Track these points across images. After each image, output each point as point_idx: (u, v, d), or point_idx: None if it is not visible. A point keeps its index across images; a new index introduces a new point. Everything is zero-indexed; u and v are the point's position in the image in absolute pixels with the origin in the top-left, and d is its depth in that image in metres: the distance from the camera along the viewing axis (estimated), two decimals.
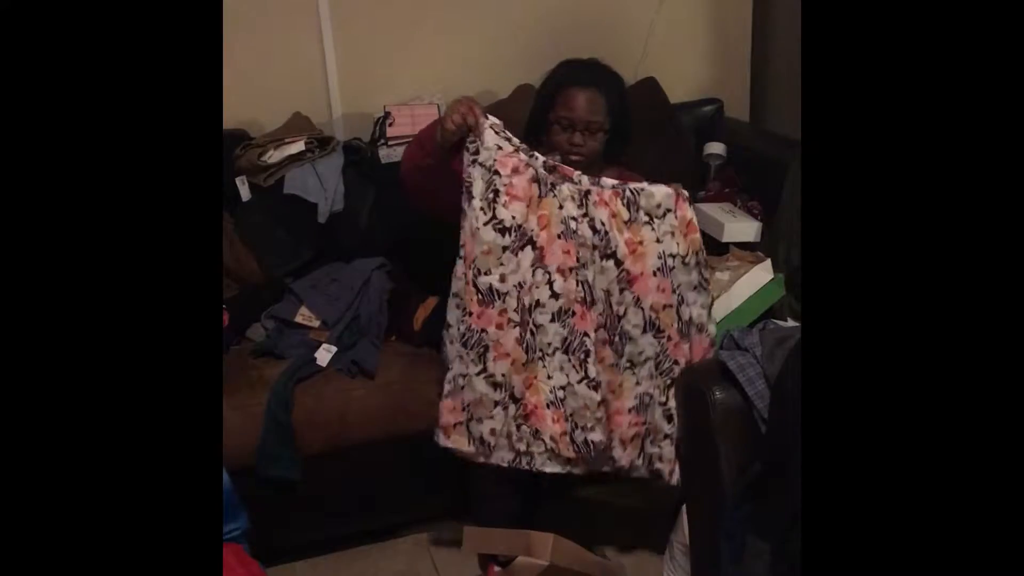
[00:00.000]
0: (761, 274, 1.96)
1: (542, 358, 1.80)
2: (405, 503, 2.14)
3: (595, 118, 1.90)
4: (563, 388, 1.80)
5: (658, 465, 1.86)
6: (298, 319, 2.13)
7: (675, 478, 1.85)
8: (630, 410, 1.82)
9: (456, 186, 1.75)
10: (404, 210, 2.23)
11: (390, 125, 2.30)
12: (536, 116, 1.97)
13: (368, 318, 2.14)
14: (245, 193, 2.21)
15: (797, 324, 1.73)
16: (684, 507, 1.68)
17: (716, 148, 2.48)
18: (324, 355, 2.06)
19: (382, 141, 2.30)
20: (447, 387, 1.83)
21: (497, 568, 1.91)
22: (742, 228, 2.19)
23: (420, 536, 2.17)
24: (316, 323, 2.13)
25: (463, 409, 1.83)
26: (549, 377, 1.80)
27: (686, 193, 1.77)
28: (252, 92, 2.33)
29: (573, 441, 1.80)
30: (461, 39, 2.50)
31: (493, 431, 1.82)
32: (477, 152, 1.73)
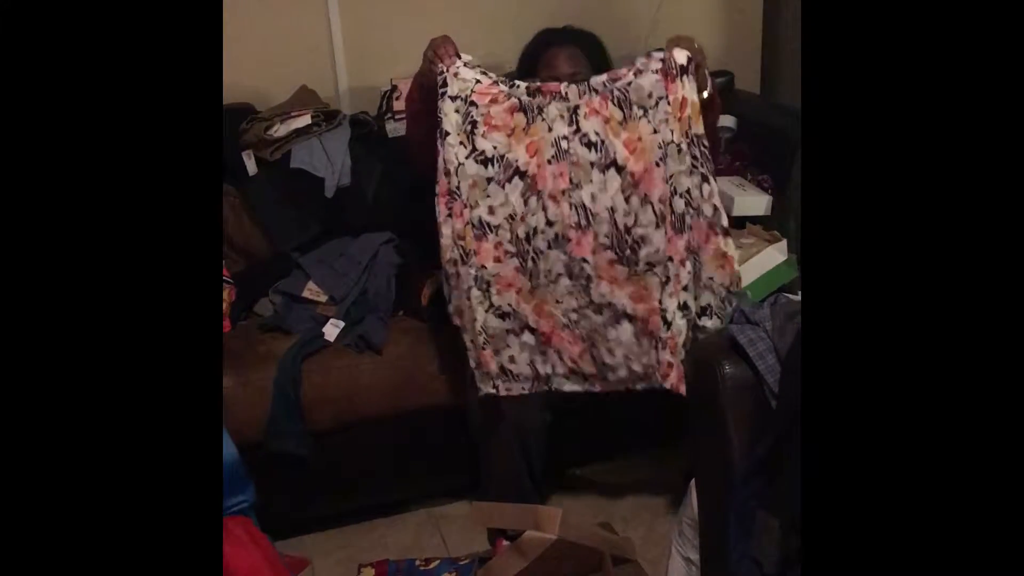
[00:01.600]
0: (774, 255, 1.94)
1: (547, 285, 1.80)
2: (414, 478, 2.14)
3: (578, 70, 1.89)
4: (575, 311, 1.81)
5: (659, 374, 1.81)
6: (306, 294, 2.13)
7: (670, 383, 1.78)
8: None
9: None
10: (412, 184, 2.22)
11: (397, 99, 2.28)
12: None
13: (376, 293, 2.13)
14: (252, 167, 2.20)
15: None
16: (693, 482, 1.67)
17: (726, 121, 2.45)
18: (332, 330, 2.05)
19: (389, 115, 2.29)
20: (480, 338, 1.82)
21: (506, 542, 1.92)
22: (752, 202, 2.17)
23: (429, 511, 2.18)
24: (324, 298, 2.12)
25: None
26: (558, 302, 1.81)
27: (681, 59, 1.67)
28: (258, 65, 2.31)
29: (593, 359, 1.83)
30: (468, 11, 2.47)
31: (512, 358, 1.84)
32: (446, 85, 1.72)
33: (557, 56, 1.91)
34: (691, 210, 1.74)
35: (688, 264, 1.75)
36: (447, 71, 1.72)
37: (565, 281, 1.79)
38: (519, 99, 1.73)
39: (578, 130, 1.73)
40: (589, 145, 1.73)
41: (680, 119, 1.69)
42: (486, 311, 1.80)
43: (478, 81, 1.72)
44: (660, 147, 1.71)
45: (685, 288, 1.77)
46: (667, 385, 1.81)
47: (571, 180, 1.74)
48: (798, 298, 1.75)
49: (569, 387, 1.88)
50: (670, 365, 1.79)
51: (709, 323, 1.80)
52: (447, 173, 1.74)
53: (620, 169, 1.73)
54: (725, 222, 1.76)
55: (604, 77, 1.73)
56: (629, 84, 1.71)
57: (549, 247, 1.77)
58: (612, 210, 1.75)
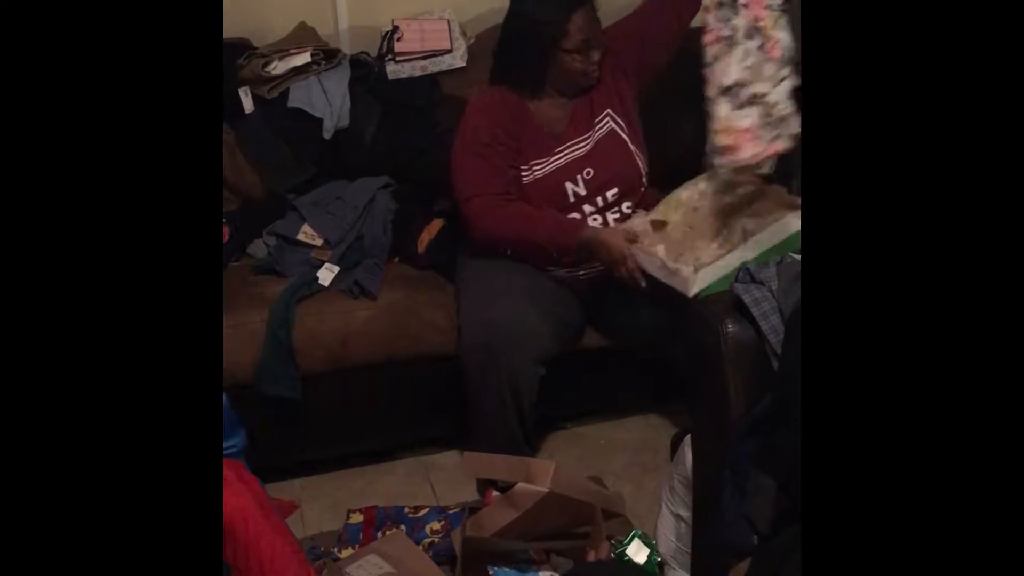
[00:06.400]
0: (793, 223, 1.79)
1: None
2: (405, 426, 2.13)
3: (599, 29, 1.94)
4: None
5: None
6: (300, 237, 2.09)
7: None
8: None
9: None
10: (411, 129, 2.18)
11: (398, 40, 2.22)
12: (536, 58, 1.93)
13: (372, 238, 2.10)
14: (248, 105, 2.15)
15: None
16: (685, 440, 1.67)
17: None
18: (327, 275, 2.03)
19: (390, 56, 2.23)
20: None
21: (496, 493, 1.92)
22: None
23: (419, 459, 2.17)
24: (319, 242, 2.09)
25: None
26: None
27: None
28: (256, 0, 2.25)
29: None
30: None
31: None
32: None
33: (584, 17, 1.88)
34: None
35: None
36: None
37: None
38: None
39: None
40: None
41: None
42: None
43: None
44: None
45: None
46: None
47: None
48: None
49: None
50: None
51: None
52: None
53: None
54: None
55: None
56: None
57: None
58: None
